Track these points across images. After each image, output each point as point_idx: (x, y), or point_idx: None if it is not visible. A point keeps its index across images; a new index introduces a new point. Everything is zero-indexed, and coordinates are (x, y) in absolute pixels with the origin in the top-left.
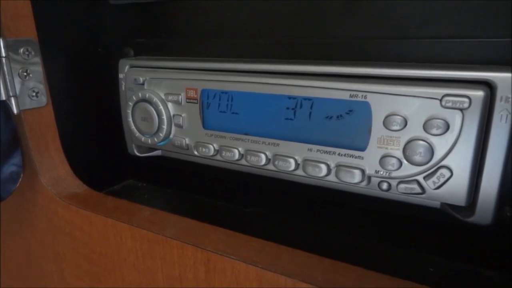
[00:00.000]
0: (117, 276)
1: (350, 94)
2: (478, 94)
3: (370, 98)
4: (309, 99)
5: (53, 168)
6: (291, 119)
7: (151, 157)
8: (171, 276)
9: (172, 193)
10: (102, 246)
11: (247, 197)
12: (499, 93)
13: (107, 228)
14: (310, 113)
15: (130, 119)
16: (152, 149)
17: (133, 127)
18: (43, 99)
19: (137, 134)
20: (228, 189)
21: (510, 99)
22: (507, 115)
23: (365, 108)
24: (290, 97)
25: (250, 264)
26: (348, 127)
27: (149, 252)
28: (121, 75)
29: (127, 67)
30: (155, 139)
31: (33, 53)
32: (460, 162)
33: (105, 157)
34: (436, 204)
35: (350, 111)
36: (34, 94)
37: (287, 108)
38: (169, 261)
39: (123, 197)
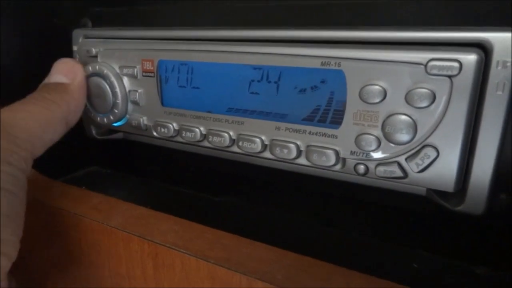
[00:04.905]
0: (62, 272)
1: (322, 62)
2: (470, 57)
3: (345, 66)
4: (276, 68)
5: None
6: (256, 93)
7: (117, 142)
8: (118, 272)
9: (138, 181)
10: (45, 238)
11: (219, 185)
12: (496, 57)
13: (50, 217)
14: (278, 85)
15: None
16: (113, 131)
17: (87, 105)
18: None
19: (92, 113)
20: (198, 176)
21: (509, 64)
22: (504, 84)
23: (339, 78)
24: (255, 68)
25: (201, 259)
26: (320, 100)
27: (94, 245)
28: (75, 47)
29: (81, 38)
30: (111, 117)
31: None
32: (448, 140)
33: (63, 141)
34: (422, 191)
35: (322, 82)
36: None
37: (252, 81)
38: (115, 255)
39: (84, 184)
